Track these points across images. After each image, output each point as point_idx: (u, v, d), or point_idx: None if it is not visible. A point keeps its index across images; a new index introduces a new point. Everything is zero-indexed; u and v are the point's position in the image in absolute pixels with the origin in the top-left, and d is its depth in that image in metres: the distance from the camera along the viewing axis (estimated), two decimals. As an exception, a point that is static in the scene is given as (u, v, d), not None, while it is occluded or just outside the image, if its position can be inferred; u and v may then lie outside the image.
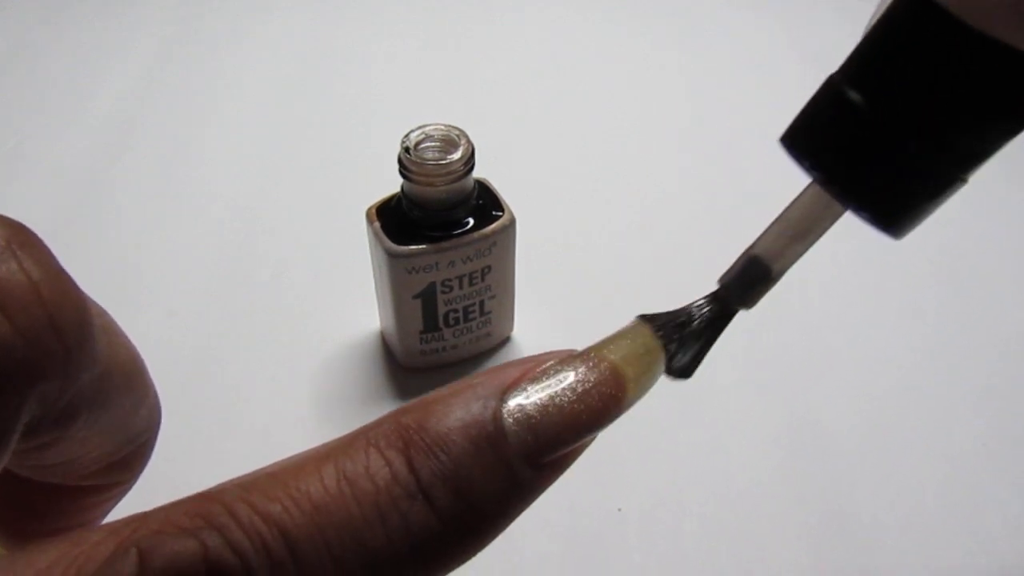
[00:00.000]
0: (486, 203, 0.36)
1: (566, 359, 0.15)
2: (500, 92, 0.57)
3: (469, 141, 0.34)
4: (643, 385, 0.16)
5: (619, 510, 0.34)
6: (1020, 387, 0.39)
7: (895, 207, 0.16)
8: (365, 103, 0.56)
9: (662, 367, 0.17)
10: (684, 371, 0.18)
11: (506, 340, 0.40)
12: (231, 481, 0.13)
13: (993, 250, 0.46)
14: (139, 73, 0.59)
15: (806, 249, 0.18)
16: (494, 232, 0.35)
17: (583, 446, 0.15)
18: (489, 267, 0.36)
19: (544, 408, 0.14)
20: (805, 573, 0.32)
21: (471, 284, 0.36)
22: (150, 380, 0.19)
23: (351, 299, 0.41)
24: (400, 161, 0.33)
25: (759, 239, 0.18)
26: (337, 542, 0.12)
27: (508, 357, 0.40)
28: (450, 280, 0.35)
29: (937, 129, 0.14)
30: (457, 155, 0.33)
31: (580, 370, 0.15)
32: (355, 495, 0.12)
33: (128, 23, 0.64)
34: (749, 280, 0.18)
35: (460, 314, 0.37)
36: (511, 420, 0.14)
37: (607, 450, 0.37)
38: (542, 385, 0.14)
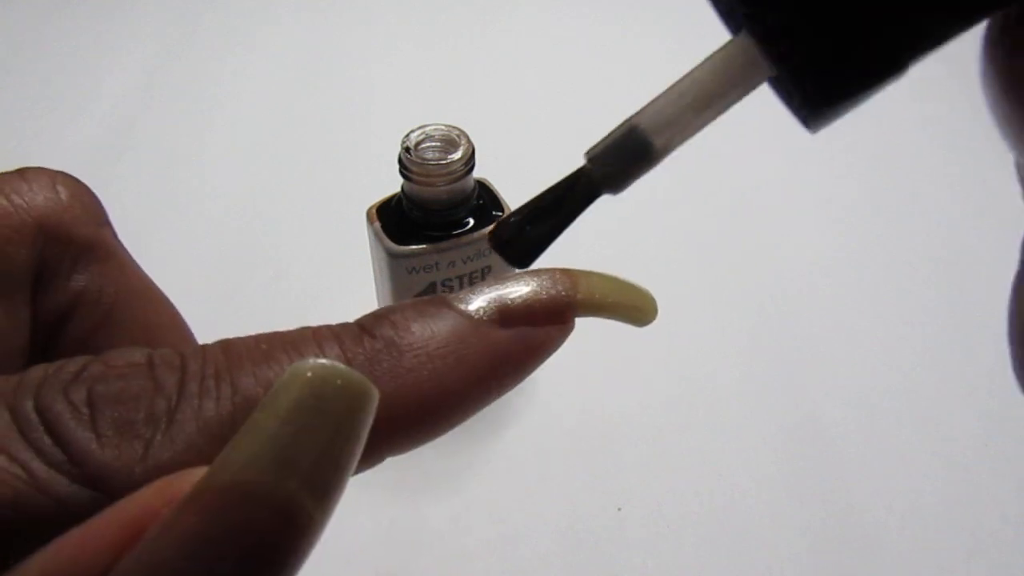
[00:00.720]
0: (486, 203, 0.36)
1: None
2: (500, 92, 0.57)
3: (469, 141, 0.34)
4: (603, 301, 0.16)
5: (619, 510, 0.34)
6: (1019, 387, 0.39)
7: (827, 80, 0.13)
8: (365, 103, 0.56)
9: (640, 312, 0.16)
10: (520, 252, 0.15)
11: (506, 340, 0.40)
12: None
13: (993, 250, 0.46)
14: (140, 73, 0.59)
15: (699, 126, 0.15)
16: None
17: (551, 326, 0.15)
18: (489, 267, 0.36)
19: (492, 287, 0.14)
20: (805, 573, 0.32)
21: (471, 284, 0.36)
22: (180, 320, 0.19)
23: (351, 299, 0.41)
24: (400, 161, 0.33)
25: (645, 107, 0.15)
26: (268, 344, 0.13)
27: (508, 357, 0.40)
28: (450, 280, 0.35)
29: None
30: (457, 155, 0.33)
31: (536, 275, 0.15)
32: (297, 330, 0.13)
33: (129, 23, 0.64)
34: (624, 153, 0.15)
35: (460, 314, 0.37)
36: (455, 296, 0.14)
37: (607, 450, 0.37)
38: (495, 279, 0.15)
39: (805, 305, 0.43)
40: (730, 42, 0.14)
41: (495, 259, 0.36)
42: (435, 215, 0.34)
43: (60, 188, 0.17)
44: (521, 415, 0.38)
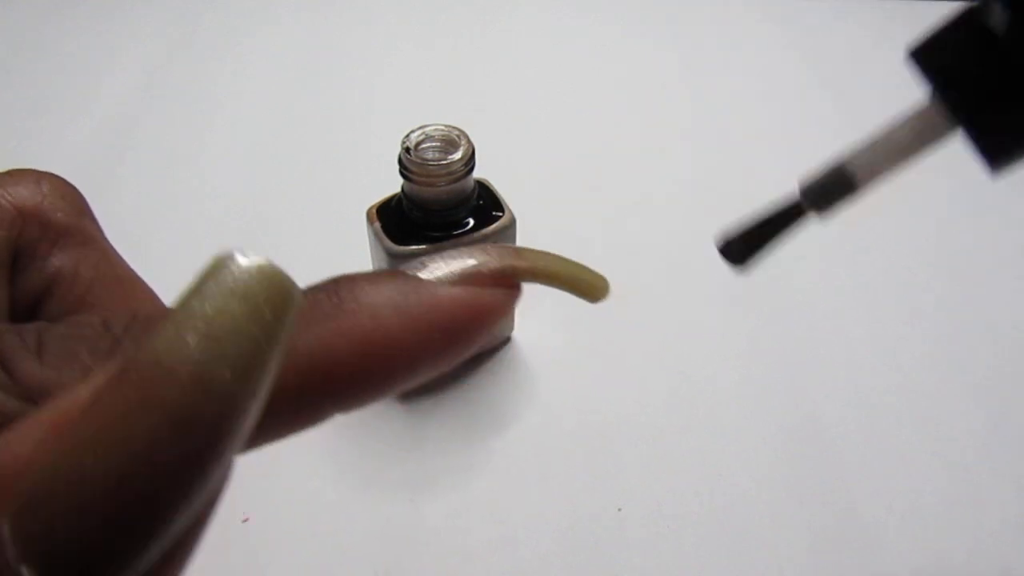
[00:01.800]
0: (486, 203, 0.36)
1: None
2: (500, 92, 0.57)
3: (469, 141, 0.34)
4: (550, 271, 0.16)
5: (619, 510, 0.34)
6: (1020, 387, 0.39)
7: (1010, 143, 0.16)
8: (365, 103, 0.56)
9: (590, 288, 0.17)
10: (737, 256, 0.18)
11: (506, 340, 0.40)
12: None
13: (993, 250, 0.46)
14: (140, 73, 0.59)
15: (897, 169, 0.18)
16: (494, 232, 0.35)
17: (496, 287, 0.15)
18: (489, 267, 0.36)
19: (440, 258, 0.15)
20: (805, 573, 0.32)
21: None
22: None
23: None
24: (400, 161, 0.33)
25: (853, 150, 0.18)
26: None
27: (508, 357, 0.40)
28: (450, 280, 0.35)
29: None
30: (457, 155, 0.33)
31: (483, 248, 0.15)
32: None
33: (129, 23, 0.64)
34: (832, 187, 0.18)
35: (460, 314, 0.37)
36: (404, 267, 0.15)
37: (607, 450, 0.37)
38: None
39: (805, 305, 0.43)
40: (928, 107, 0.17)
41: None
42: (435, 215, 0.34)
43: (43, 183, 0.18)
44: (521, 415, 0.38)
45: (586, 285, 0.17)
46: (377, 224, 0.35)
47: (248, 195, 0.49)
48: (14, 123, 0.54)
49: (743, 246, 0.18)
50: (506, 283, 0.15)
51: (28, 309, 0.17)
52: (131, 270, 0.19)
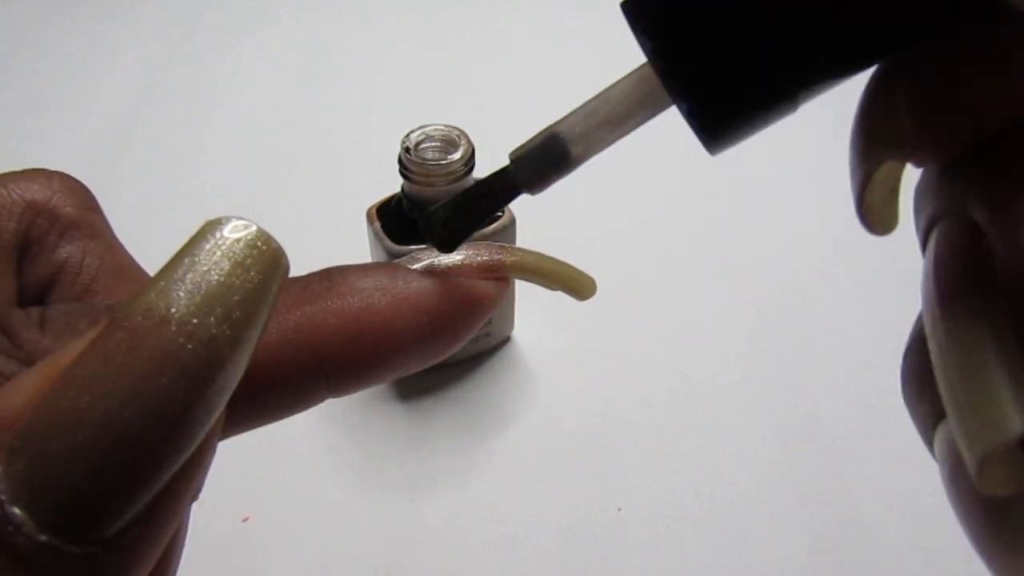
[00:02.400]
0: (486, 203, 0.36)
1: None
2: (500, 92, 0.57)
3: (469, 141, 0.34)
4: (533, 267, 0.17)
5: (619, 510, 0.34)
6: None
7: (720, 105, 0.14)
8: (365, 103, 0.56)
9: (582, 284, 0.17)
10: (440, 235, 0.16)
11: (506, 340, 0.40)
12: None
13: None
14: (140, 73, 0.59)
15: (615, 139, 0.16)
16: (494, 232, 0.35)
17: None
18: (489, 267, 0.36)
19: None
20: (805, 573, 0.32)
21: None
22: None
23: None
24: (400, 161, 0.33)
25: (566, 116, 0.16)
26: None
27: (508, 357, 0.40)
28: (450, 280, 0.35)
29: (789, 33, 0.13)
30: (457, 155, 0.33)
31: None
32: None
33: (129, 23, 0.64)
34: (544, 159, 0.16)
35: (460, 314, 0.37)
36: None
37: (607, 450, 0.37)
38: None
39: (805, 305, 0.43)
40: (640, 68, 0.15)
41: (495, 259, 0.36)
42: (435, 215, 0.34)
43: (54, 180, 0.18)
44: (521, 415, 0.38)
45: (572, 283, 0.17)
46: (377, 224, 0.35)
47: (248, 195, 0.49)
48: (14, 123, 0.54)
49: (446, 224, 0.16)
50: (494, 277, 0.16)
51: (35, 297, 0.17)
52: (136, 263, 0.19)
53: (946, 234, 0.14)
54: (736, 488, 0.35)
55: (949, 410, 0.12)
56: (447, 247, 0.16)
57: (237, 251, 0.12)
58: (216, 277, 0.11)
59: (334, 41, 0.62)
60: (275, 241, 0.12)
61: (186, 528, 0.20)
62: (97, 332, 0.11)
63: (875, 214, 0.15)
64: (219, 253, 0.12)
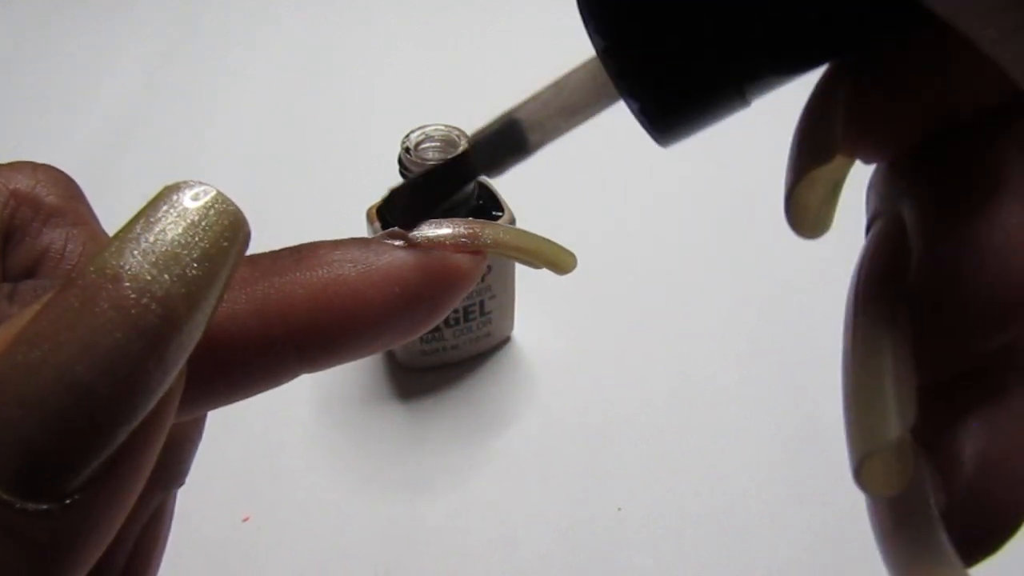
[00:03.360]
0: (486, 203, 0.36)
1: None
2: (500, 92, 0.57)
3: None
4: (511, 237, 0.17)
5: (619, 509, 0.34)
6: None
7: (667, 102, 0.14)
8: (365, 103, 0.56)
9: (563, 258, 0.17)
10: (399, 217, 0.16)
11: (506, 340, 0.40)
12: None
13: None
14: (140, 73, 0.59)
15: (571, 127, 0.16)
16: (494, 232, 0.35)
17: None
18: (489, 267, 0.36)
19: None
20: (805, 572, 0.32)
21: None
22: None
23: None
24: (400, 161, 0.33)
25: (525, 102, 0.16)
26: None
27: (508, 357, 0.40)
28: (450, 280, 0.35)
29: (735, 22, 0.13)
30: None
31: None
32: None
33: (129, 23, 0.64)
34: (502, 145, 0.16)
35: (460, 314, 0.37)
36: None
37: (607, 449, 0.37)
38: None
39: (806, 305, 0.43)
40: (590, 60, 0.15)
41: (495, 259, 0.36)
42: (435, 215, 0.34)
43: (38, 172, 0.18)
44: (521, 415, 0.38)
45: (554, 257, 0.17)
46: (377, 224, 0.35)
47: (248, 195, 0.49)
48: (14, 123, 0.54)
49: (405, 206, 0.16)
50: (472, 251, 0.16)
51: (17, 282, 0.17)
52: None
53: (876, 233, 0.14)
54: (736, 488, 0.35)
55: (843, 408, 0.13)
56: (407, 227, 0.16)
57: (193, 212, 0.12)
58: (172, 236, 0.11)
59: (334, 41, 0.62)
60: (233, 204, 0.12)
61: (169, 525, 0.20)
62: (52, 293, 0.11)
63: (809, 213, 0.15)
64: (174, 214, 0.12)
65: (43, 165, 0.19)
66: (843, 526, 0.34)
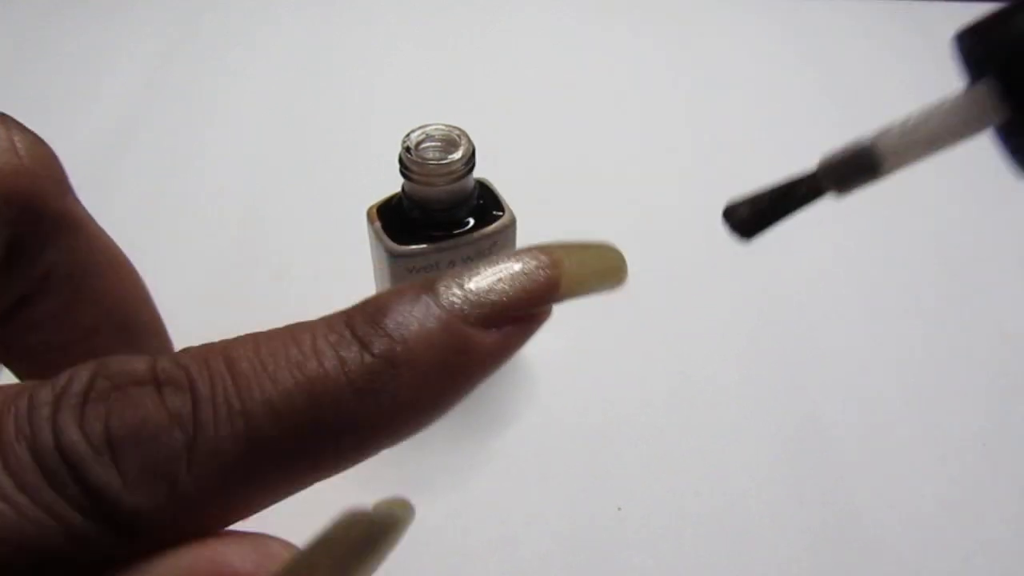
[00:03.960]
0: (486, 203, 0.36)
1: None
2: (500, 92, 0.57)
3: (469, 141, 0.34)
4: (585, 278, 0.17)
5: (619, 509, 0.34)
6: (1019, 387, 0.39)
7: None
8: (365, 103, 0.56)
9: (617, 274, 0.17)
10: (742, 227, 0.17)
11: (506, 340, 0.40)
12: None
13: (993, 249, 0.46)
14: (140, 73, 0.59)
15: (928, 156, 0.17)
16: (494, 232, 0.35)
17: (531, 322, 0.16)
18: (489, 267, 0.36)
19: (478, 275, 0.15)
20: (805, 573, 0.32)
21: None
22: (146, 293, 0.20)
23: (352, 299, 0.41)
24: (401, 161, 0.33)
25: (882, 132, 0.17)
26: (272, 363, 0.13)
27: (508, 357, 0.40)
28: (450, 280, 0.35)
29: None
30: (457, 155, 0.33)
31: (515, 257, 0.16)
32: (295, 340, 0.14)
33: (129, 23, 0.64)
34: (854, 167, 0.17)
35: (460, 314, 0.37)
36: (444, 284, 0.15)
37: (607, 449, 0.37)
38: (477, 266, 0.15)
39: (805, 305, 0.43)
40: (970, 89, 0.16)
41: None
42: (435, 215, 0.34)
43: (19, 145, 0.17)
44: (521, 415, 0.38)
45: (615, 279, 0.18)
46: (377, 223, 0.35)
47: (248, 195, 0.49)
48: (14, 123, 0.54)
49: (750, 217, 0.17)
50: (543, 311, 0.17)
51: (20, 302, 0.17)
52: (115, 249, 0.19)
53: None
54: (736, 488, 0.35)
55: None
56: (747, 237, 0.17)
57: (376, 540, 0.16)
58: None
59: (334, 41, 0.62)
60: (405, 517, 0.16)
61: None
62: None
63: None
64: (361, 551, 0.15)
65: (17, 129, 0.18)
66: (843, 526, 0.34)
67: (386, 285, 0.36)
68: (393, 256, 0.34)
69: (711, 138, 0.54)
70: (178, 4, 0.66)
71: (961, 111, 0.16)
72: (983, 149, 0.55)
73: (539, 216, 0.42)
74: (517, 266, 0.16)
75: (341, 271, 0.43)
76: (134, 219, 0.47)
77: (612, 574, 0.32)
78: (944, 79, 0.63)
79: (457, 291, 0.15)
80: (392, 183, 0.35)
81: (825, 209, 0.53)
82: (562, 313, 0.46)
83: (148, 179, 0.50)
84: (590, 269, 0.17)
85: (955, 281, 0.44)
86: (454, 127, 0.34)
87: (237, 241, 0.46)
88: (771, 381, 0.39)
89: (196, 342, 0.18)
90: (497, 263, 0.15)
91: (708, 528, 0.34)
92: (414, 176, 0.33)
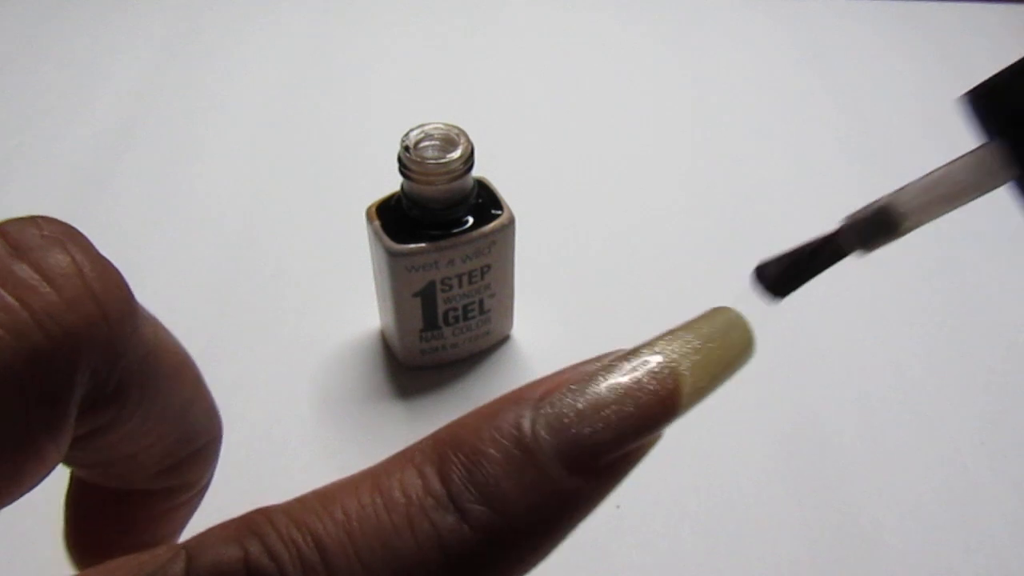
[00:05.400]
0: (485, 202, 0.36)
1: (612, 361, 0.14)
2: (499, 91, 0.57)
3: (468, 140, 0.34)
4: (712, 378, 0.16)
5: (617, 507, 0.34)
6: (1017, 386, 0.39)
7: None
8: (365, 103, 0.56)
9: (746, 351, 0.16)
10: (773, 287, 0.18)
11: (505, 338, 0.40)
12: (287, 501, 0.14)
13: (992, 249, 0.46)
14: (139, 73, 0.59)
15: (945, 213, 0.17)
16: (493, 231, 0.35)
17: (642, 448, 0.15)
18: (488, 266, 0.36)
19: (580, 412, 0.13)
20: (804, 572, 0.32)
21: (470, 283, 0.36)
22: (202, 381, 0.19)
23: (351, 298, 0.42)
24: (400, 160, 0.34)
25: (900, 190, 0.17)
26: (367, 549, 0.12)
27: (508, 356, 0.40)
28: (449, 279, 0.35)
29: None
30: (456, 154, 0.33)
31: (625, 370, 0.14)
32: (386, 505, 0.12)
33: (128, 24, 0.64)
34: (875, 227, 0.18)
35: (460, 312, 0.37)
36: (543, 425, 0.13)
37: (606, 448, 0.37)
38: (581, 388, 0.14)
39: (805, 304, 0.43)
40: (985, 146, 0.16)
41: (494, 257, 0.36)
42: (434, 214, 0.34)
43: (87, 272, 0.15)
44: (520, 413, 0.38)
45: (740, 366, 0.17)
46: (377, 223, 0.35)
47: (248, 195, 0.49)
48: (14, 123, 0.54)
49: (779, 279, 0.18)
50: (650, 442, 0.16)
51: (94, 432, 0.16)
52: (177, 346, 0.18)
53: None
54: (735, 486, 0.35)
55: None
56: (775, 297, 0.18)
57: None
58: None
59: (333, 40, 0.62)
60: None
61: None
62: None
63: None
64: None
65: (80, 247, 0.15)
66: (842, 524, 0.34)
67: (386, 284, 0.36)
68: (392, 255, 0.34)
69: (711, 138, 0.54)
70: (178, 4, 0.66)
71: (977, 169, 0.17)
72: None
73: (538, 215, 0.42)
74: (622, 381, 0.14)
75: (340, 270, 0.44)
76: (134, 219, 0.47)
77: (611, 572, 0.32)
78: (944, 79, 0.64)
79: (557, 411, 0.13)
80: (391, 182, 0.35)
81: (825, 209, 0.53)
82: (562, 313, 0.46)
83: (148, 179, 0.50)
84: (716, 367, 0.16)
85: (955, 281, 0.44)
86: (453, 126, 0.34)
87: (236, 240, 0.46)
88: (770, 380, 0.39)
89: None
90: (597, 381, 0.14)
91: (707, 526, 0.34)
92: (413, 175, 0.33)
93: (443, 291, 0.36)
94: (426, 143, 0.34)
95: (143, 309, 0.17)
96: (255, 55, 0.61)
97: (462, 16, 0.65)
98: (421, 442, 0.13)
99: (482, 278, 0.36)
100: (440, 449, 0.13)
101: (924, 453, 0.36)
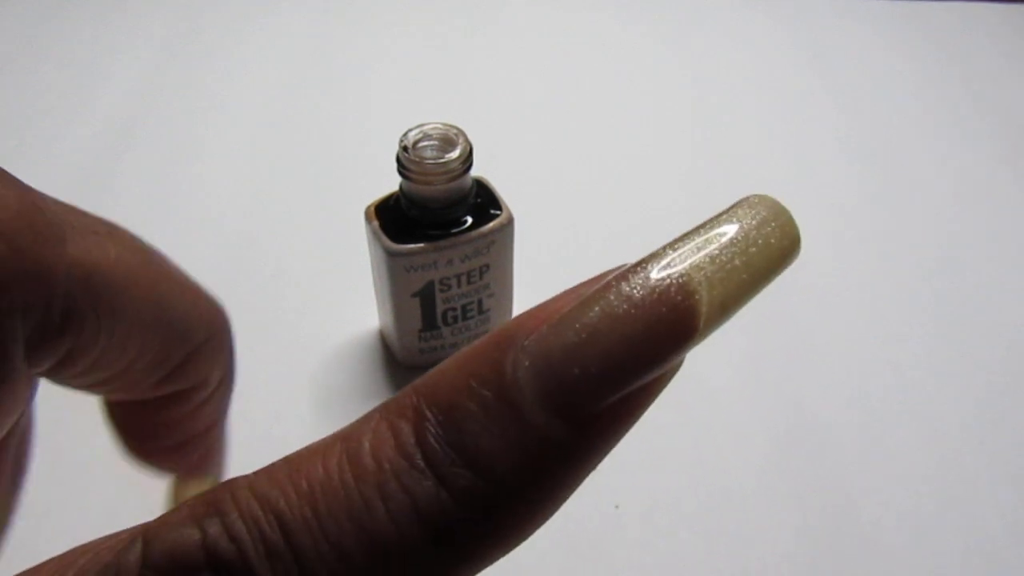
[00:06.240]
0: (484, 202, 0.36)
1: (613, 279, 0.12)
2: (499, 91, 0.57)
3: (467, 140, 0.34)
4: (739, 290, 0.12)
5: (616, 507, 0.34)
6: (1017, 386, 0.39)
7: None
8: (364, 103, 0.56)
9: (787, 252, 0.13)
10: None
11: (505, 338, 0.40)
12: (256, 471, 0.12)
13: (991, 249, 0.46)
14: (139, 73, 0.59)
15: None
16: (492, 231, 0.35)
17: (654, 385, 0.12)
18: (487, 265, 0.36)
19: (568, 348, 0.11)
20: (803, 572, 0.32)
21: (469, 282, 0.36)
22: (180, 279, 0.19)
23: (350, 298, 0.42)
24: (399, 160, 0.34)
25: None
26: (334, 526, 0.10)
27: (507, 355, 0.40)
28: (448, 278, 0.35)
29: None
30: (455, 154, 0.33)
31: (625, 291, 0.11)
32: (355, 473, 0.11)
33: (128, 24, 0.64)
34: None
35: (459, 312, 0.37)
36: (526, 367, 0.11)
37: (605, 448, 0.37)
38: (572, 317, 0.11)
39: (803, 303, 0.43)
40: None
41: (493, 257, 0.36)
42: (433, 214, 0.34)
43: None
44: (520, 413, 0.38)
45: (784, 267, 0.13)
46: (376, 223, 0.35)
47: (248, 194, 0.49)
48: (14, 123, 0.54)
49: None
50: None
51: (63, 362, 0.16)
52: (135, 248, 0.19)
53: None
54: (734, 486, 0.35)
55: None
56: None
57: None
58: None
59: (333, 41, 0.62)
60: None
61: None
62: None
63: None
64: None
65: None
66: (840, 524, 0.34)
67: (384, 284, 0.36)
68: (391, 255, 0.34)
69: (711, 138, 0.54)
70: (178, 4, 0.66)
71: None
72: (981, 149, 0.56)
73: (537, 215, 0.42)
74: (621, 305, 0.11)
75: (339, 270, 0.44)
76: (134, 219, 0.47)
77: (610, 572, 0.32)
78: (944, 79, 0.64)
79: (539, 363, 0.11)
80: (390, 182, 0.35)
81: (825, 209, 0.53)
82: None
83: (148, 179, 0.50)
84: (745, 274, 0.12)
85: (955, 280, 0.44)
86: (452, 126, 0.34)
87: (236, 240, 0.46)
88: (768, 378, 0.39)
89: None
90: (590, 307, 0.11)
91: (706, 525, 0.34)
92: (412, 175, 0.33)
93: (442, 291, 0.36)
94: (425, 143, 0.34)
95: (80, 225, 0.15)
96: (255, 55, 0.61)
97: (462, 16, 0.65)
98: (401, 392, 0.12)
99: (481, 278, 0.36)
100: (416, 402, 0.11)
101: (923, 453, 0.36)
